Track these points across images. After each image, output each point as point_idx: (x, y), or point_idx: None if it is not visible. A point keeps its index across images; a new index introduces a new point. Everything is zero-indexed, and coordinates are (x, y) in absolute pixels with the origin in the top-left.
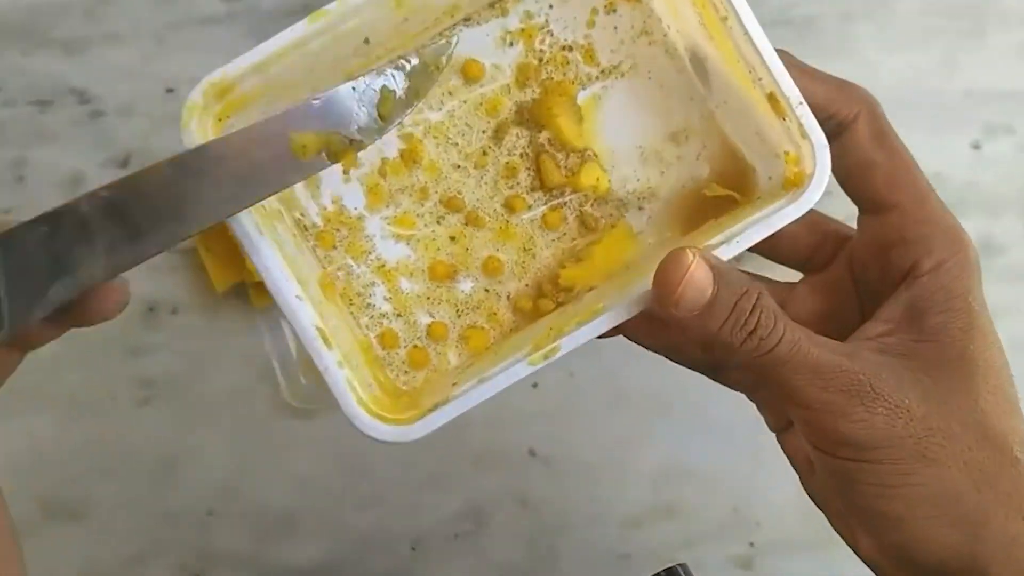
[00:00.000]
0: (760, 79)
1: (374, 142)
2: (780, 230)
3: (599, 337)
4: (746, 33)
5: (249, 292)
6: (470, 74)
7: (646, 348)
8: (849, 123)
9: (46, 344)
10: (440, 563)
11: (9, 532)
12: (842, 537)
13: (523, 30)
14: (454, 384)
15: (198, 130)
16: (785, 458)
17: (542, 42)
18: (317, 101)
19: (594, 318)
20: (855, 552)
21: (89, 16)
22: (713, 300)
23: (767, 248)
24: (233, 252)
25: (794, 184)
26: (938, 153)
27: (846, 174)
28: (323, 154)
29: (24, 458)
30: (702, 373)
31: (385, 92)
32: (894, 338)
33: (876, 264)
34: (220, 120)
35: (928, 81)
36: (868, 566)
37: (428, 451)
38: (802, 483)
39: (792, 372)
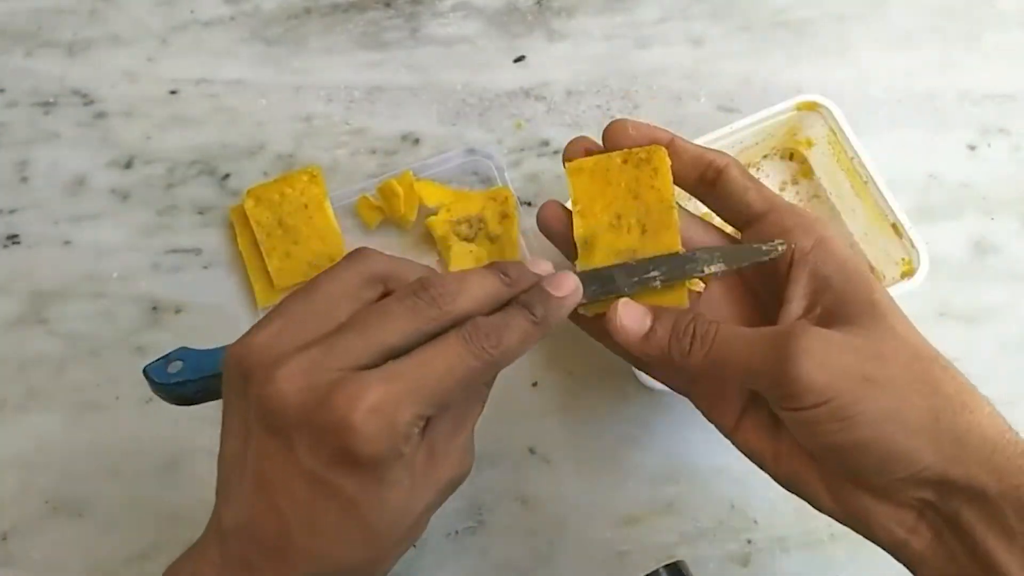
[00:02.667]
0: (886, 215)
1: None
2: None
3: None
4: (879, 189)
5: (254, 291)
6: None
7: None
8: (723, 167)
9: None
10: (441, 560)
11: None
12: (823, 508)
13: None
14: None
15: None
16: None
17: None
18: None
19: None
20: (841, 515)
21: (92, 18)
22: (653, 325)
23: None
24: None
25: (907, 275)
26: (933, 154)
27: (728, 200)
28: None
29: (31, 456)
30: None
31: None
32: (813, 312)
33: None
34: None
35: (923, 83)
36: (854, 524)
37: None
38: (770, 474)
39: (737, 350)
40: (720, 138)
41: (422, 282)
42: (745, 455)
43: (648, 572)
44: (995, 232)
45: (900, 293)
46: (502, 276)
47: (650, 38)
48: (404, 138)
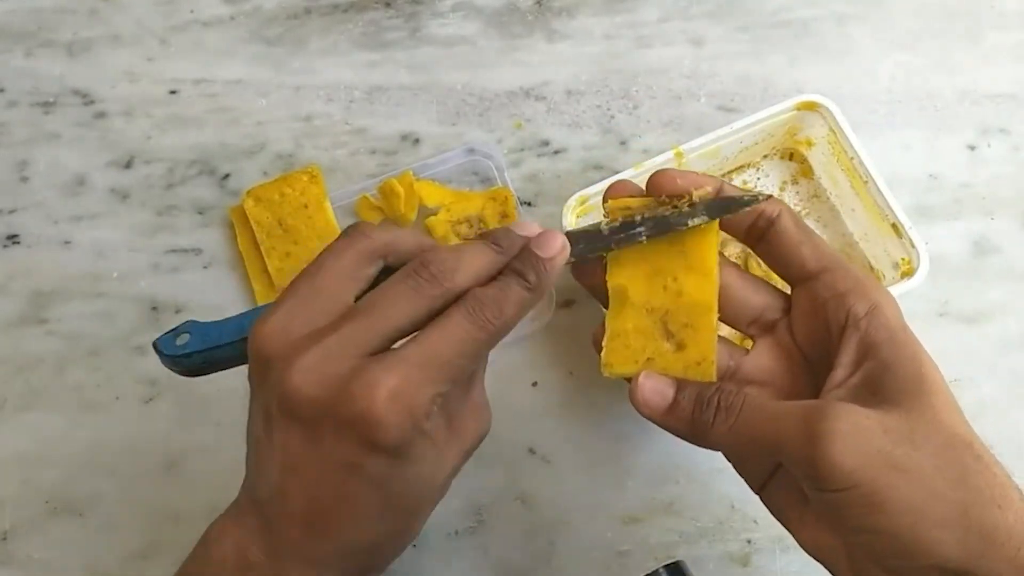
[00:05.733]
0: (886, 215)
1: None
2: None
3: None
4: (879, 189)
5: (254, 291)
6: None
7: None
8: (775, 218)
9: None
10: (440, 560)
11: None
12: None
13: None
14: None
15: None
16: None
17: None
18: None
19: None
20: None
21: (92, 18)
22: (677, 397)
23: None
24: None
25: (907, 275)
26: (933, 154)
27: (780, 254)
28: None
29: (31, 455)
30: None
31: None
32: (856, 377)
33: (816, 322)
34: (578, 216)
35: (923, 83)
36: None
37: None
38: (795, 537)
39: (764, 424)
40: (720, 138)
41: (421, 260)
42: (771, 514)
43: (648, 572)
44: (995, 232)
45: (900, 293)
46: (494, 246)
47: (650, 38)
48: (404, 138)
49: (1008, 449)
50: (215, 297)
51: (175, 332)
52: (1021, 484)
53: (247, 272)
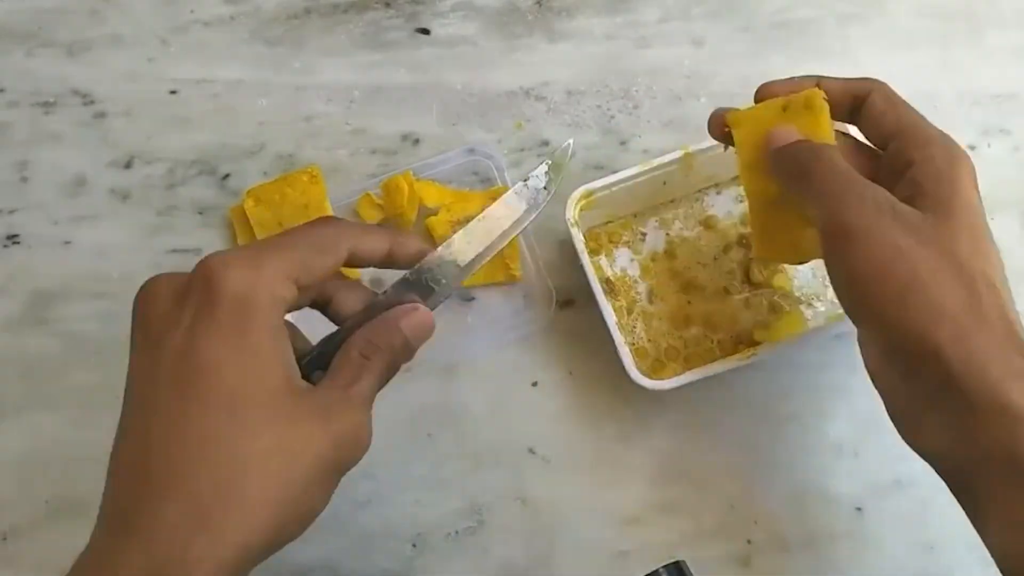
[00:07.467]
0: None
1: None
2: None
3: None
4: None
5: None
6: (711, 222)
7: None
8: (865, 95)
9: None
10: (440, 560)
11: None
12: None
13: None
14: (685, 372)
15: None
16: (782, 458)
17: None
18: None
19: (763, 352)
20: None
21: (92, 18)
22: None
23: None
24: None
25: None
26: None
27: (866, 124)
28: None
29: (31, 456)
30: None
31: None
32: (906, 178)
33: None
34: (582, 210)
35: (923, 83)
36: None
37: (428, 449)
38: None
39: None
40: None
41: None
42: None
43: (648, 572)
44: (995, 232)
45: None
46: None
47: (650, 38)
48: (404, 138)
49: None
50: None
51: None
52: None
53: None
